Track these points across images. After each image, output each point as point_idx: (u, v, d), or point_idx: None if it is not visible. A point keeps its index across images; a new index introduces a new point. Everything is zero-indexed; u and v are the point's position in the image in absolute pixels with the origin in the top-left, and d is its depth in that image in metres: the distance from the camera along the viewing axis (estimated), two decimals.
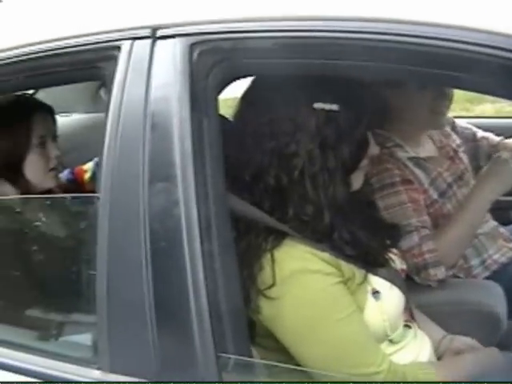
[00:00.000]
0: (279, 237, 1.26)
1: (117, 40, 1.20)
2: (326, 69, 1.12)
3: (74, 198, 1.54)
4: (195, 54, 1.13)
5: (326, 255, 1.25)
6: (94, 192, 1.22)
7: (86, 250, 1.28)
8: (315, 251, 1.25)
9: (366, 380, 1.23)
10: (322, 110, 1.25)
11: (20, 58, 1.31)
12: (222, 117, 1.34)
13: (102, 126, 1.19)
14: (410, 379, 1.27)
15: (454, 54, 0.97)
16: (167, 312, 1.11)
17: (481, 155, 2.20)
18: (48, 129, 1.89)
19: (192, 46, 1.13)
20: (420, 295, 1.66)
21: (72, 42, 1.24)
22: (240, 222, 1.26)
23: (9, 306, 1.52)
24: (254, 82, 1.34)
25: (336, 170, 1.26)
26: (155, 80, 1.15)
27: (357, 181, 1.34)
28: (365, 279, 1.30)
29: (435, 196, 1.91)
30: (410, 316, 1.44)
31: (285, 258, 1.24)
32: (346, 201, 1.28)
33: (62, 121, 2.41)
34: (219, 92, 1.19)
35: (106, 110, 1.18)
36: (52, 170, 1.89)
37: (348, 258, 1.28)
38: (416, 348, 1.38)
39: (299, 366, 1.24)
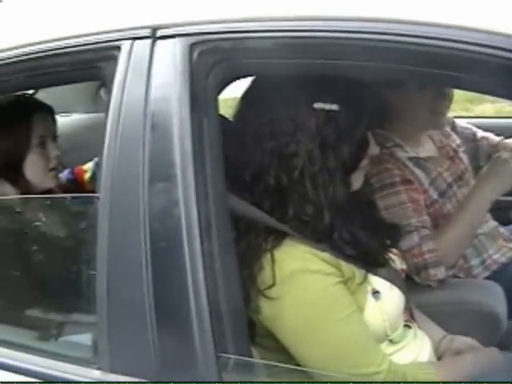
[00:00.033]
0: (279, 237, 1.26)
1: (117, 40, 1.20)
2: (325, 69, 1.12)
3: (74, 197, 1.54)
4: (195, 54, 1.13)
5: (326, 255, 1.25)
6: (93, 192, 1.22)
7: (86, 250, 1.28)
8: (315, 251, 1.25)
9: (366, 380, 1.23)
10: (322, 110, 1.25)
11: (20, 58, 1.31)
12: (222, 117, 1.34)
13: (102, 126, 1.19)
14: (410, 379, 1.26)
15: (454, 54, 0.97)
16: (167, 312, 1.11)
17: (481, 155, 2.20)
18: (48, 129, 1.89)
19: (192, 46, 1.13)
20: (420, 295, 1.66)
21: (72, 41, 1.24)
22: (240, 222, 1.26)
23: (9, 306, 1.52)
24: (253, 82, 1.34)
25: (336, 170, 1.26)
26: (155, 80, 1.15)
27: (357, 181, 1.34)
28: (365, 279, 1.29)
29: (435, 196, 1.91)
30: (410, 316, 1.44)
31: (285, 258, 1.24)
32: (346, 201, 1.28)
33: (62, 121, 2.41)
34: (219, 92, 1.19)
35: (106, 110, 1.18)
36: (52, 169, 1.89)
37: (348, 258, 1.28)
38: (416, 348, 1.38)
39: (299, 366, 1.24)
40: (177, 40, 1.14)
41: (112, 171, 1.15)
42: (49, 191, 1.87)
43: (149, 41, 1.17)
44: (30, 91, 2.20)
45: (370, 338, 1.28)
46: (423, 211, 1.84)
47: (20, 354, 1.30)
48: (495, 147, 2.18)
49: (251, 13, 1.14)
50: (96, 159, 2.01)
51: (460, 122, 2.26)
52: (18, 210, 1.65)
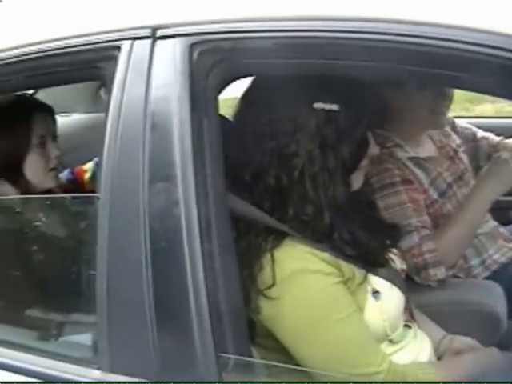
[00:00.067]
0: (279, 237, 1.26)
1: (117, 40, 1.20)
2: (326, 69, 1.12)
3: (74, 198, 1.54)
4: (195, 54, 1.13)
5: (326, 255, 1.25)
6: (93, 192, 1.22)
7: (86, 250, 1.28)
8: (315, 251, 1.25)
9: (366, 380, 1.23)
10: (322, 110, 1.25)
11: (20, 58, 1.31)
12: (222, 117, 1.34)
13: (101, 126, 1.19)
14: (409, 379, 1.26)
15: (454, 54, 0.97)
16: (167, 312, 1.11)
17: (481, 155, 2.20)
18: (48, 129, 1.89)
19: (192, 46, 1.13)
20: (420, 295, 1.66)
21: (72, 41, 1.24)
22: (240, 222, 1.26)
23: (9, 306, 1.52)
24: (253, 82, 1.34)
25: (336, 170, 1.26)
26: (155, 80, 1.15)
27: (357, 181, 1.34)
28: (365, 279, 1.29)
29: (435, 196, 1.91)
30: (410, 316, 1.44)
31: (285, 258, 1.24)
32: (346, 201, 1.28)
33: (62, 121, 2.41)
34: (219, 92, 1.19)
35: (106, 110, 1.18)
36: (52, 169, 1.89)
37: (348, 258, 1.28)
38: (416, 348, 1.38)
39: (299, 366, 1.24)
40: (177, 40, 1.14)
41: (112, 171, 1.15)
42: (49, 191, 1.87)
43: (149, 41, 1.17)
44: (30, 91, 2.20)
45: (369, 337, 1.28)
46: (423, 211, 1.84)
47: (20, 354, 1.29)
48: (495, 147, 2.18)
49: (251, 13, 1.14)
50: (96, 159, 2.01)
51: (460, 122, 2.26)
52: (18, 210, 1.65)
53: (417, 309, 1.53)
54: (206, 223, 1.10)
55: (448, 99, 1.91)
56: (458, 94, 2.04)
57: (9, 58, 1.32)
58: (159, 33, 1.16)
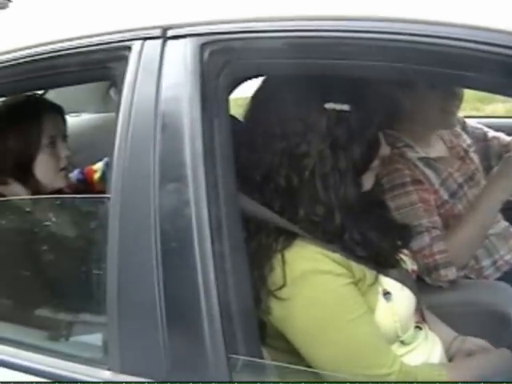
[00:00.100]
0: (290, 237, 1.25)
1: (127, 40, 1.20)
2: (336, 69, 1.12)
3: (84, 198, 1.55)
4: (206, 54, 1.13)
5: (337, 256, 1.25)
6: (103, 192, 1.22)
7: (96, 251, 1.28)
8: (326, 252, 1.24)
9: (378, 380, 1.22)
10: (333, 110, 1.24)
11: (32, 58, 1.31)
12: (233, 117, 1.34)
13: (112, 126, 1.19)
14: (421, 380, 1.26)
15: (466, 54, 0.97)
16: (178, 313, 1.11)
17: (491, 155, 2.19)
18: (58, 129, 1.90)
19: (203, 46, 1.13)
20: (431, 296, 1.65)
21: (83, 42, 1.24)
22: (250, 223, 1.25)
23: (20, 306, 1.52)
24: (264, 82, 1.34)
25: (347, 170, 1.26)
26: (166, 80, 1.15)
27: (368, 181, 1.33)
28: (376, 280, 1.29)
29: (446, 196, 1.90)
30: (420, 317, 1.43)
31: (295, 259, 1.24)
32: (356, 201, 1.28)
33: (72, 121, 2.41)
34: (230, 92, 1.19)
35: (117, 111, 1.18)
36: (62, 169, 1.89)
37: (359, 259, 1.27)
38: (427, 349, 1.38)
39: (310, 367, 1.23)
40: (187, 40, 1.14)
41: (123, 171, 1.15)
42: (59, 191, 1.87)
43: (159, 41, 1.17)
44: (40, 91, 2.20)
45: (381, 338, 1.27)
46: (434, 212, 1.83)
47: (30, 353, 1.30)
48: (506, 147, 2.17)
49: (261, 13, 1.14)
50: (106, 159, 2.01)
51: (470, 122, 2.24)
52: (28, 209, 1.66)
53: (428, 310, 1.53)
54: (216, 223, 1.10)
55: (458, 99, 1.90)
56: (468, 93, 2.03)
57: (21, 58, 1.32)
58: (170, 33, 1.16)
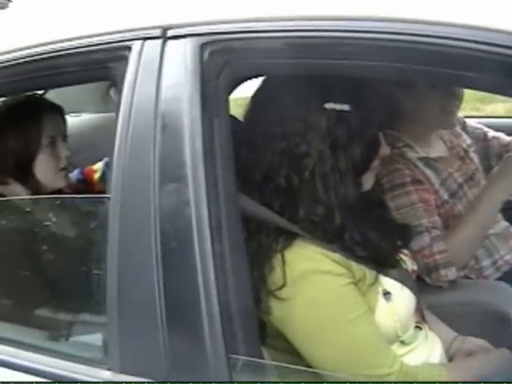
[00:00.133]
0: (290, 237, 1.25)
1: (127, 40, 1.20)
2: (336, 69, 1.12)
3: (84, 198, 1.55)
4: (206, 54, 1.13)
5: (337, 256, 1.25)
6: (103, 192, 1.22)
7: (96, 251, 1.28)
8: (326, 252, 1.24)
9: (378, 380, 1.22)
10: (333, 110, 1.24)
11: (32, 58, 1.31)
12: (233, 117, 1.34)
13: (112, 126, 1.19)
14: (421, 380, 1.26)
15: (466, 54, 0.97)
16: (178, 313, 1.11)
17: (491, 155, 2.19)
18: (58, 129, 1.90)
19: (203, 46, 1.13)
20: (431, 296, 1.65)
21: (83, 42, 1.25)
22: (250, 223, 1.25)
23: (20, 306, 1.52)
24: (264, 82, 1.34)
25: (347, 170, 1.26)
26: (166, 80, 1.15)
27: (368, 181, 1.33)
28: (376, 280, 1.29)
29: (446, 196, 1.90)
30: (420, 317, 1.43)
31: (295, 259, 1.24)
32: (356, 201, 1.28)
33: (72, 121, 2.41)
34: (230, 92, 1.19)
35: (117, 111, 1.18)
36: (62, 169, 1.89)
37: (359, 259, 1.27)
38: (427, 349, 1.38)
39: (310, 367, 1.23)
40: (187, 40, 1.14)
41: (122, 171, 1.15)
42: (59, 191, 1.87)
43: (159, 41, 1.17)
44: (40, 91, 2.20)
45: (381, 338, 1.27)
46: (434, 212, 1.83)
47: (30, 353, 1.30)
48: (506, 147, 2.17)
49: (261, 13, 1.14)
50: (106, 159, 2.01)
51: (470, 122, 2.24)
52: (28, 209, 1.66)
53: (428, 310, 1.53)
54: (216, 223, 1.10)
55: (458, 99, 1.90)
56: (468, 93, 2.03)
57: (21, 58, 1.32)
58: (170, 33, 1.16)
